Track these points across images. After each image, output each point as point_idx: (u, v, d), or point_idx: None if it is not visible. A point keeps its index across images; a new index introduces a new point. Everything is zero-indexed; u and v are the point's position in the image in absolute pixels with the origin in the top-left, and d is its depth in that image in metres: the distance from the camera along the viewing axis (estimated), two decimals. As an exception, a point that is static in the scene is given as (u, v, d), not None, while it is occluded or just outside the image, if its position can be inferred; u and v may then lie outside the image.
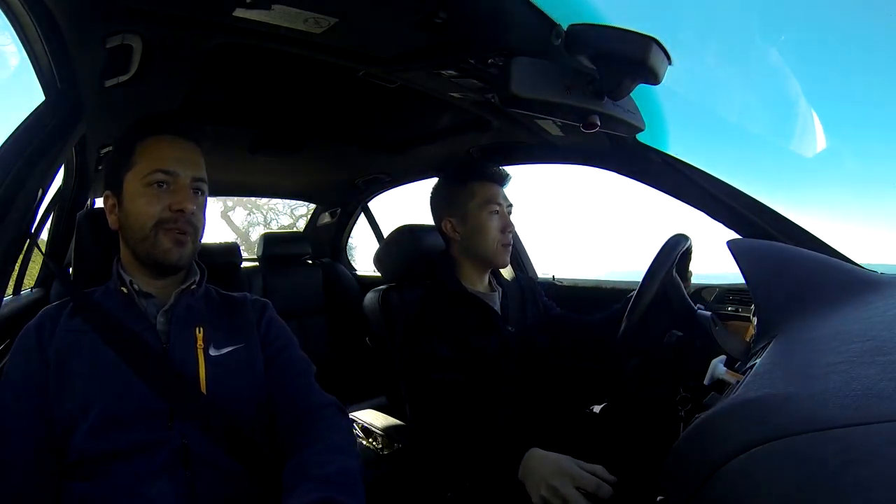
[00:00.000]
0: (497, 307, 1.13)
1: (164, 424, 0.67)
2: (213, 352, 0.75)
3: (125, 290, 0.76)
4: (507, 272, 1.25)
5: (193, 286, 0.80)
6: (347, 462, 0.68)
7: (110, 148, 1.30)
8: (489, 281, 1.18)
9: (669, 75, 0.74)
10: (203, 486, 0.66)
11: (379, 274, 1.37)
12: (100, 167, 1.40)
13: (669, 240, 1.00)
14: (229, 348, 0.77)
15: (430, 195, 1.21)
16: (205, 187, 0.79)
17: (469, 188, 1.13)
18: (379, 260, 1.36)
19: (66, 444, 0.66)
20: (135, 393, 0.67)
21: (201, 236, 0.80)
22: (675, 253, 0.98)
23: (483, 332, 1.07)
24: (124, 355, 0.69)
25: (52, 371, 0.68)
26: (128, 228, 0.76)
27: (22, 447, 0.64)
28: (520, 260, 1.78)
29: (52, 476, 0.65)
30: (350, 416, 1.34)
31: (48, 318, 0.73)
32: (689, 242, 1.03)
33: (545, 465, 0.79)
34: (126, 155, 0.76)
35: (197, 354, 0.73)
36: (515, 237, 1.63)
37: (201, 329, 0.76)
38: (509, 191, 1.18)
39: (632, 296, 1.01)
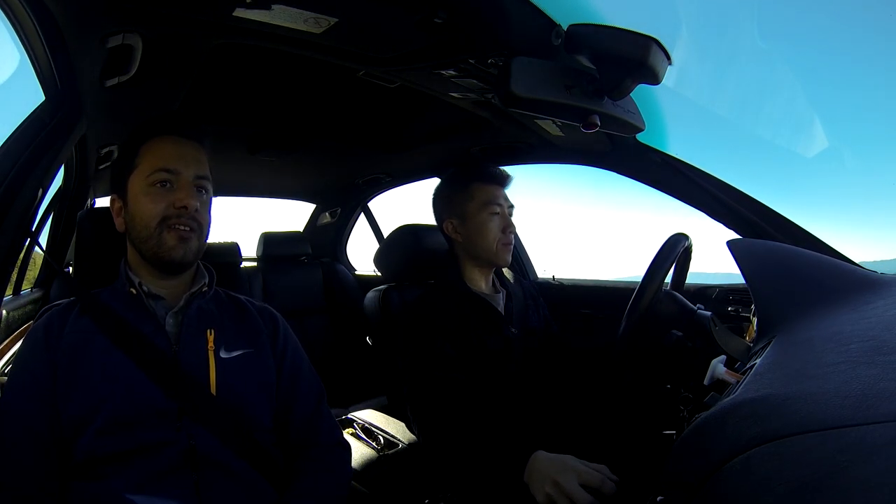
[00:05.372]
0: (501, 308, 1.13)
1: (172, 425, 0.67)
2: (223, 354, 0.75)
3: (134, 291, 0.75)
4: (509, 274, 1.25)
5: (204, 288, 0.80)
6: None
7: (110, 147, 1.30)
8: (493, 282, 1.18)
9: (669, 75, 0.75)
10: (209, 488, 0.66)
11: (379, 274, 1.37)
12: (100, 167, 1.40)
13: (669, 239, 1.00)
14: (239, 351, 0.77)
15: (431, 196, 1.22)
16: (208, 185, 0.79)
17: (469, 190, 1.13)
18: (379, 260, 1.36)
19: (73, 445, 0.65)
20: (145, 394, 0.67)
21: (207, 234, 0.80)
22: (675, 252, 0.98)
23: (486, 332, 1.07)
24: (134, 356, 0.69)
25: (61, 372, 0.67)
26: (133, 229, 0.76)
27: (27, 447, 0.64)
28: (520, 262, 1.78)
29: (57, 476, 0.65)
30: (350, 417, 1.34)
31: (56, 319, 0.72)
32: (688, 241, 1.03)
33: (550, 464, 0.79)
34: (130, 158, 0.77)
35: (208, 356, 0.73)
36: (517, 239, 1.63)
37: (212, 331, 0.76)
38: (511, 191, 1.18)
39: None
